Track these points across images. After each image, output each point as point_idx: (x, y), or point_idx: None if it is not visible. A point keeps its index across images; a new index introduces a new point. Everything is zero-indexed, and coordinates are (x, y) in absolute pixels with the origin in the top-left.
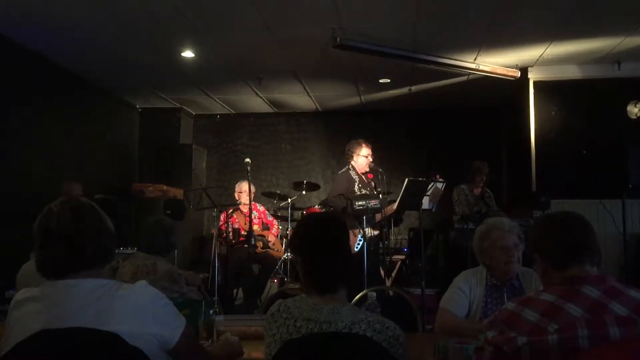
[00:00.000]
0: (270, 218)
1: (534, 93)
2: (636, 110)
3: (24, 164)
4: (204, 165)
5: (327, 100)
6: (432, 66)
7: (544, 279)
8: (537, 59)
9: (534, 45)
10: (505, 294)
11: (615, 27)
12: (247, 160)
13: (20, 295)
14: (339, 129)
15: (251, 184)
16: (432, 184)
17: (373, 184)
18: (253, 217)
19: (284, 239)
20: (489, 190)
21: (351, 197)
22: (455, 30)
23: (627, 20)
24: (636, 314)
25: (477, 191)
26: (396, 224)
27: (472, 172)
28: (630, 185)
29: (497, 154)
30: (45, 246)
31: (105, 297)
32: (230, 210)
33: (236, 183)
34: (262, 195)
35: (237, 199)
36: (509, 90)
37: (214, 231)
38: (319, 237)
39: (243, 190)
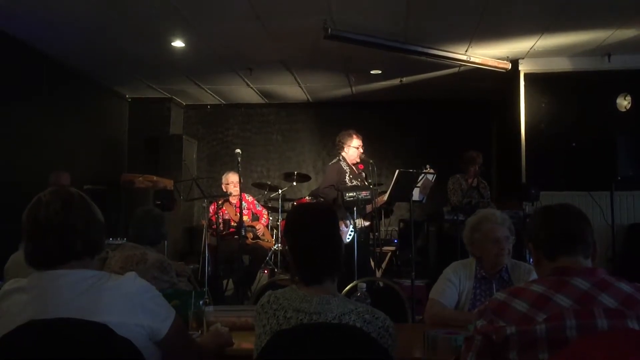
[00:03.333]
0: (259, 208)
1: (525, 85)
2: (626, 102)
3: (12, 154)
4: (195, 156)
5: (318, 91)
6: (423, 57)
7: (537, 269)
8: (528, 51)
9: (525, 37)
10: (494, 286)
11: (606, 20)
12: (238, 151)
13: (8, 285)
14: (329, 120)
15: (238, 175)
16: (423, 175)
17: (364, 175)
18: (242, 207)
19: (274, 230)
20: (484, 181)
21: (342, 188)
22: (447, 21)
23: (617, 13)
24: (625, 307)
25: (471, 181)
26: (386, 215)
27: (465, 161)
28: (619, 178)
29: (487, 146)
30: (33, 237)
31: (94, 288)
32: (221, 202)
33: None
34: (253, 186)
35: (225, 190)
36: (500, 82)
37: (203, 222)
38: (307, 227)
39: (230, 182)
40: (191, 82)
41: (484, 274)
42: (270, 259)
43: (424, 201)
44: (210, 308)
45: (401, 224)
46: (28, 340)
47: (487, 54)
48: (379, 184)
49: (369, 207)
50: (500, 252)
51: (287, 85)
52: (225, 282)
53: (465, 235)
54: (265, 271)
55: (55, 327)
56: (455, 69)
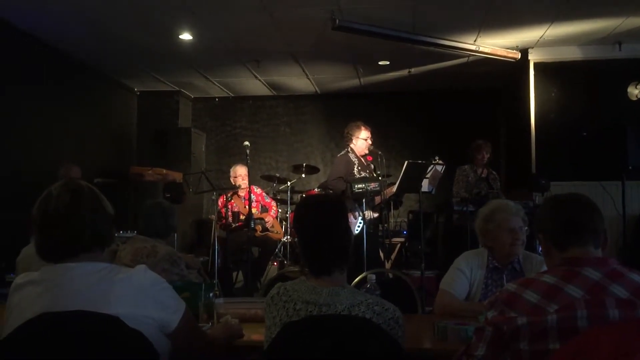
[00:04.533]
0: (268, 200)
1: (534, 74)
2: (636, 91)
3: (22, 147)
4: (203, 148)
5: (326, 83)
6: (431, 48)
7: (547, 260)
8: (538, 40)
9: (534, 26)
10: (505, 276)
11: (616, 8)
12: (246, 143)
13: (20, 278)
14: (338, 111)
15: (247, 167)
16: (432, 166)
17: (372, 166)
18: (251, 200)
19: (284, 222)
20: (494, 172)
21: (350, 179)
22: (455, 11)
23: (628, 1)
24: (636, 297)
25: (481, 172)
26: (395, 207)
27: (472, 150)
28: (630, 167)
29: (496, 136)
30: (44, 230)
31: (104, 281)
32: (229, 194)
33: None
34: (262, 178)
35: (233, 182)
36: (509, 72)
37: (212, 217)
38: (316, 219)
39: (238, 174)
40: (199, 75)
41: (495, 264)
42: (280, 250)
43: (433, 192)
44: (220, 300)
45: (410, 215)
46: (40, 333)
47: (496, 44)
48: (388, 176)
49: (377, 199)
50: (514, 242)
51: (295, 77)
52: (234, 274)
53: (477, 226)
54: (275, 263)
55: (67, 319)
56: (464, 59)
